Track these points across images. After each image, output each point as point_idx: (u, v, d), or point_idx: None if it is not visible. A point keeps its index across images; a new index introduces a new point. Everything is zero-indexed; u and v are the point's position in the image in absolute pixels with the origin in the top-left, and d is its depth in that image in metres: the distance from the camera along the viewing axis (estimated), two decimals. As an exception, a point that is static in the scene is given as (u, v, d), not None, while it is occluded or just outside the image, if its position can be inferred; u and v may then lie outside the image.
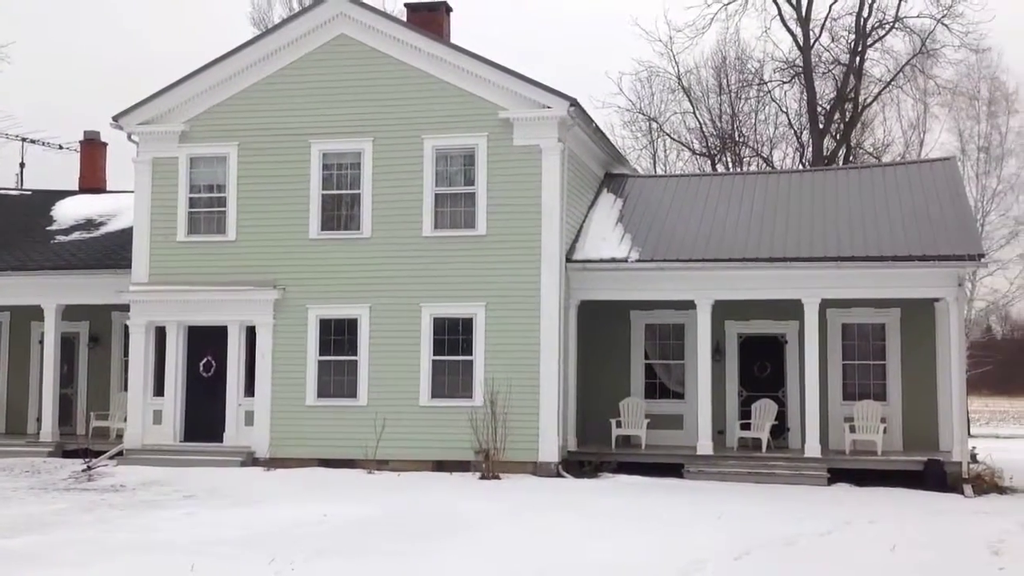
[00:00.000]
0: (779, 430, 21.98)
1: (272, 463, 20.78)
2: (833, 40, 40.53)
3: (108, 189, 29.16)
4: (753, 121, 43.27)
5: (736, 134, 43.06)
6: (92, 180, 29.06)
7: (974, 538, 13.38)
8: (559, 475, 19.94)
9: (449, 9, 23.95)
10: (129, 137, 22.71)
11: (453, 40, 23.21)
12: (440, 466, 20.34)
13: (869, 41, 39.81)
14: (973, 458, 21.58)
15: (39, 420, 23.83)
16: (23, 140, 39.40)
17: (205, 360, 21.99)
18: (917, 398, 21.66)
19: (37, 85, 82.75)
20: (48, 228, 26.18)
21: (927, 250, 20.07)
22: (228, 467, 20.49)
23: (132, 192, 23.14)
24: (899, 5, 39.33)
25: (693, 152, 43.63)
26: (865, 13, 39.39)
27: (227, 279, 21.70)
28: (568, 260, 21.15)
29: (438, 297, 20.94)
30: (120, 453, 21.64)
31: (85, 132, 29.79)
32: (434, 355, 20.92)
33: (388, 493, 17.17)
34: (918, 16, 39.57)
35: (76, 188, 29.02)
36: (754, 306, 21.93)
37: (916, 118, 44.32)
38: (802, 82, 40.04)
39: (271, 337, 21.48)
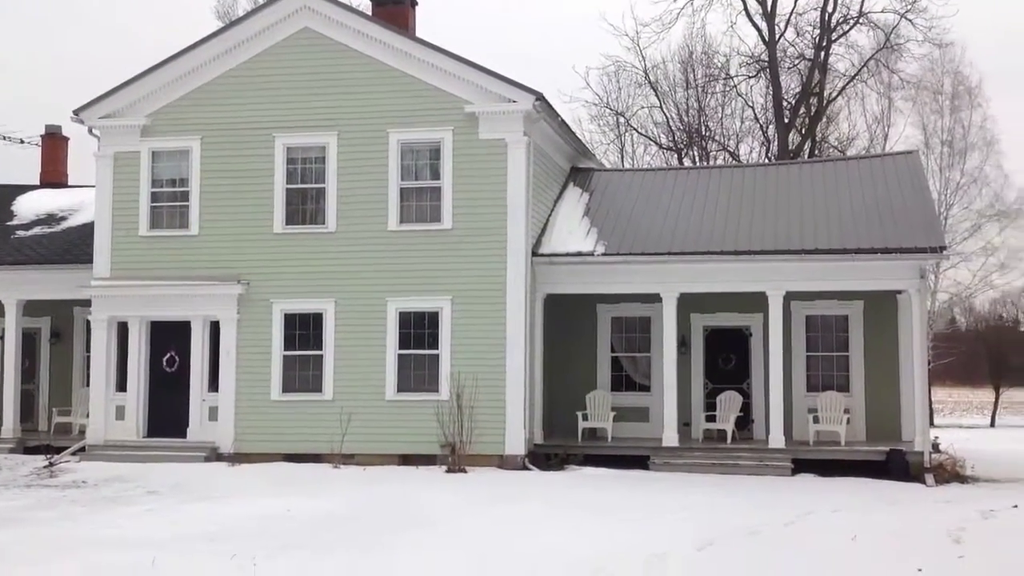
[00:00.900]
0: (744, 421, 22.12)
1: (236, 458, 20.67)
2: (798, 35, 40.87)
3: (70, 183, 28.85)
4: (720, 115, 43.52)
5: (703, 128, 43.25)
6: (53, 174, 28.75)
7: (935, 526, 13.50)
8: (525, 468, 19.96)
9: (415, 3, 23.88)
10: (90, 131, 22.48)
11: (419, 34, 23.14)
12: (406, 460, 20.30)
13: (834, 36, 40.11)
14: (935, 448, 21.79)
15: (0, 416, 23.56)
16: (-18, 134, 38.86)
17: (168, 355, 21.84)
18: (880, 389, 21.86)
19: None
20: (8, 223, 25.87)
21: (889, 243, 20.23)
22: (192, 463, 20.35)
23: (94, 187, 22.89)
24: (863, 0, 39.68)
25: (660, 146, 43.79)
26: (829, 8, 39.72)
27: (190, 274, 21.54)
28: (534, 254, 21.16)
29: (404, 291, 20.89)
30: (83, 449, 21.45)
31: (46, 126, 29.44)
32: (400, 349, 20.87)
33: (353, 487, 17.12)
34: (882, 11, 39.93)
35: (37, 183, 28.68)
36: (719, 299, 22.04)
37: (880, 112, 44.77)
38: (768, 77, 40.30)
39: (235, 332, 21.35)
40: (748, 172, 24.98)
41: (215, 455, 20.90)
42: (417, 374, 20.82)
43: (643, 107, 43.68)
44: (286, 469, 19.60)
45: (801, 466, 19.69)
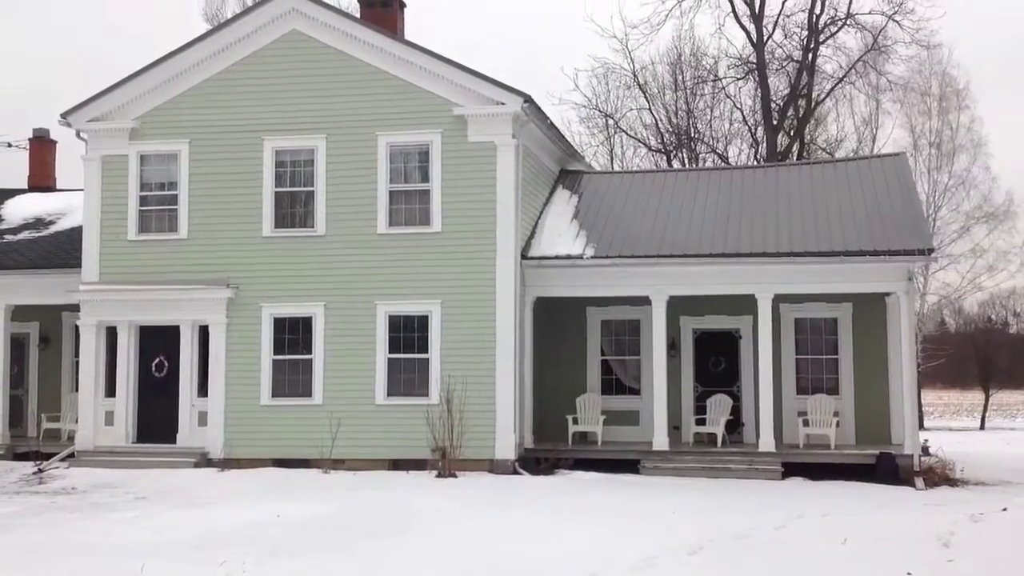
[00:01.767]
0: (734, 425, 22.13)
1: (226, 464, 20.61)
2: (786, 37, 40.97)
3: (58, 187, 28.78)
4: (708, 117, 43.59)
5: (692, 130, 43.31)
6: (42, 178, 28.66)
7: (925, 530, 13.54)
8: (516, 472, 19.93)
9: (403, 5, 23.85)
10: (78, 134, 22.39)
11: (407, 36, 23.12)
12: (396, 465, 20.26)
13: (821, 38, 40.22)
14: (925, 451, 21.82)
15: (-11, 423, 23.45)
16: (-30, 138, 38.69)
17: (157, 360, 21.76)
18: (869, 392, 21.90)
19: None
20: (-4, 227, 25.75)
21: (878, 245, 20.28)
22: (181, 468, 20.28)
23: (82, 190, 22.80)
24: (851, 2, 39.83)
25: (649, 148, 43.84)
26: (817, 10, 39.83)
27: (179, 278, 21.47)
28: (523, 257, 21.14)
29: (393, 295, 20.85)
30: (72, 455, 21.35)
31: (34, 130, 29.36)
32: (390, 353, 20.83)
33: (343, 492, 17.08)
34: (869, 13, 40.06)
35: (25, 186, 28.58)
36: (709, 301, 22.05)
37: (868, 114, 44.88)
38: (756, 79, 40.38)
39: (224, 336, 21.28)
40: (737, 174, 25.01)
41: (205, 461, 20.81)
42: (407, 378, 20.78)
43: (632, 109, 43.76)
44: (276, 474, 19.54)
45: (791, 470, 19.71)
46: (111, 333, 21.89)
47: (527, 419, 21.00)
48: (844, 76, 41.36)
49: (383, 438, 20.50)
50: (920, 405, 42.16)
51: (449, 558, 11.69)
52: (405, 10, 23.96)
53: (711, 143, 43.44)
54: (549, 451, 20.58)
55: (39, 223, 25.79)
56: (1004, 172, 70.63)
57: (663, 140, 43.26)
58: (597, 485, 18.27)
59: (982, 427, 47.60)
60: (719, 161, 42.12)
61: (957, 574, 11.03)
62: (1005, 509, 15.56)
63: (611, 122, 43.99)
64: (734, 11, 40.00)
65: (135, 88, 21.99)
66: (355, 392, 20.75)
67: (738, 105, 42.53)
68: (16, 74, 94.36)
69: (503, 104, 20.66)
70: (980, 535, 13.44)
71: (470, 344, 20.46)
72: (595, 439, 21.62)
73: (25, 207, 26.63)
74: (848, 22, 40.02)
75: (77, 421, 22.02)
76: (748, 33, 40.02)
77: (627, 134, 44.05)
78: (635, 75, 42.74)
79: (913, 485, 18.96)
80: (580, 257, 21.17)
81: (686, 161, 42.58)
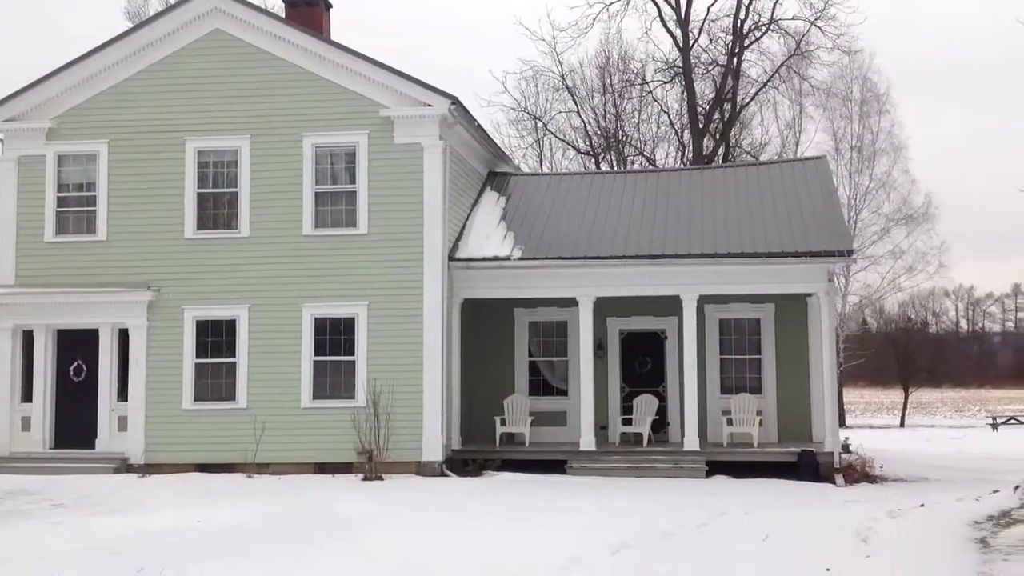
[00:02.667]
0: (660, 424, 22.33)
1: (147, 469, 20.23)
2: (711, 41, 41.52)
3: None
4: (636, 120, 43.98)
5: (619, 133, 43.65)
6: (-45, 178, 27.79)
7: (844, 526, 13.75)
8: (443, 474, 19.87)
9: (329, 5, 23.63)
10: (-7, 134, 21.84)
11: (334, 37, 22.91)
12: (322, 468, 20.08)
13: (746, 43, 40.84)
14: (846, 448, 22.25)
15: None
16: None
17: (76, 364, 21.29)
18: (791, 391, 22.25)
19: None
20: (-93, 229, 24.93)
21: (799, 247, 20.61)
22: (101, 474, 19.85)
23: (-3, 191, 22.21)
24: (774, 7, 40.50)
25: (578, 151, 44.09)
26: (742, 15, 40.43)
27: (98, 280, 21.03)
28: (451, 258, 21.10)
29: (319, 297, 20.66)
30: (-14, 462, 20.78)
31: (-53, 128, 28.49)
32: (315, 356, 20.64)
33: (267, 497, 16.86)
34: (792, 19, 40.81)
35: (-62, 187, 27.72)
36: (635, 303, 22.21)
37: (792, 118, 45.72)
38: (682, 83, 40.83)
39: (145, 339, 20.90)
40: (663, 177, 25.25)
41: (125, 466, 20.42)
42: (333, 381, 20.61)
43: (561, 112, 43.99)
44: (198, 480, 19.23)
45: (715, 468, 19.94)
46: (27, 337, 21.39)
47: (455, 421, 20.95)
48: (768, 81, 42.06)
49: (309, 442, 20.30)
50: (842, 403, 43.05)
51: (373, 562, 11.60)
52: (331, 10, 23.75)
53: (639, 146, 43.86)
54: (477, 453, 20.56)
55: (-48, 224, 25.02)
56: (923, 175, 72.37)
57: (591, 143, 43.54)
58: (524, 486, 18.29)
59: (902, 425, 48.71)
60: (646, 164, 42.51)
61: (875, 569, 11.20)
62: (923, 505, 15.86)
63: (540, 124, 44.20)
64: (660, 16, 40.44)
65: (53, 87, 21.51)
66: (280, 395, 20.52)
67: (665, 108, 43.02)
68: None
69: (430, 106, 20.60)
70: (898, 531, 13.67)
71: (397, 346, 20.35)
72: (523, 440, 21.65)
73: (-62, 208, 25.81)
74: (772, 27, 40.72)
75: (-8, 427, 21.42)
76: (674, 37, 40.49)
77: (556, 136, 44.30)
78: (564, 78, 43.02)
79: (833, 482, 19.30)
80: (507, 258, 21.19)
81: (614, 164, 42.91)
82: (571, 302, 21.47)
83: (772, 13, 40.40)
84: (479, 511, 15.23)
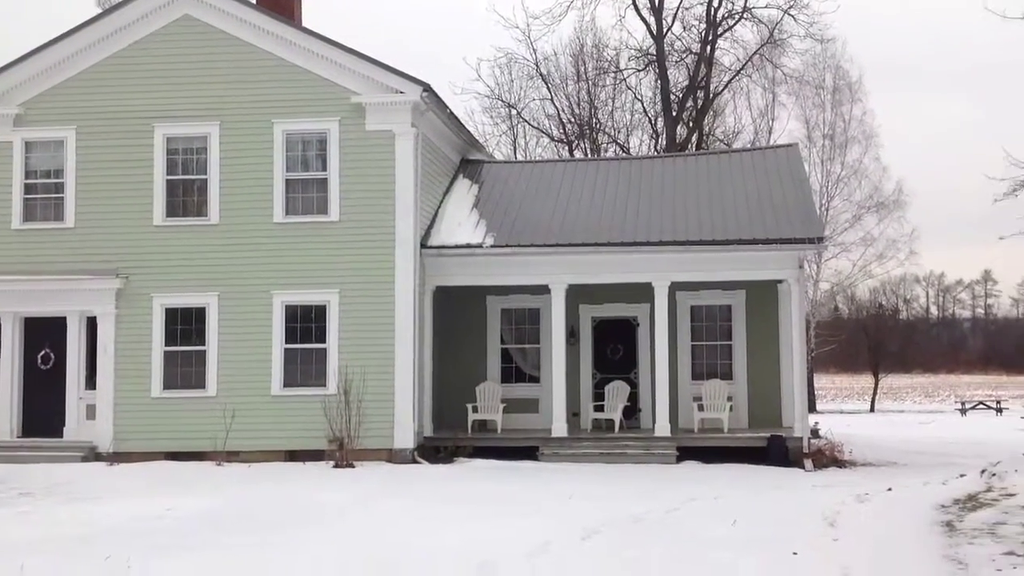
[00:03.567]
0: (631, 411, 22.41)
1: (116, 458, 20.11)
2: (685, 29, 41.55)
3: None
4: (610, 108, 43.97)
5: (593, 121, 43.63)
6: (-79, 165, 27.46)
7: (812, 511, 13.87)
8: (415, 461, 19.87)
9: (300, -9, 23.47)
10: (-42, 120, 21.56)
11: (306, 23, 22.78)
12: (293, 456, 20.02)
13: (719, 31, 40.91)
14: (815, 434, 22.42)
15: None
16: None
17: (43, 352, 21.12)
18: (762, 376, 22.37)
19: None
20: None
21: (770, 234, 20.70)
22: (69, 463, 19.70)
23: (-37, 177, 21.96)
24: (748, -5, 40.48)
25: (552, 138, 44.04)
26: (715, 3, 40.49)
27: (66, 268, 20.85)
28: (423, 246, 21.05)
29: (290, 284, 20.57)
30: (-47, 451, 20.59)
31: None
32: (286, 343, 20.57)
33: (237, 485, 16.79)
34: (766, 7, 40.86)
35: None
36: (607, 290, 22.26)
37: (765, 106, 45.86)
38: (656, 71, 40.85)
39: (113, 327, 20.75)
40: (636, 164, 25.26)
41: (93, 455, 20.29)
42: (304, 368, 20.55)
43: (535, 99, 43.91)
44: (168, 468, 19.12)
45: (686, 453, 20.03)
46: (-5, 325, 21.19)
47: (426, 408, 20.94)
48: (741, 69, 42.17)
49: (279, 429, 20.24)
50: (812, 389, 43.39)
51: (343, 549, 11.57)
52: (302, -4, 23.59)
53: (612, 134, 43.86)
54: (448, 440, 20.56)
55: (-82, 211, 24.74)
56: (894, 163, 72.84)
57: (565, 130, 43.51)
58: (496, 473, 18.32)
59: (872, 410, 49.12)
60: (620, 151, 42.54)
61: (842, 552, 11.29)
62: (890, 489, 16.03)
63: (514, 112, 44.10)
64: (634, 3, 40.42)
65: (20, 73, 21.28)
66: (250, 383, 20.43)
67: (639, 96, 43.04)
68: None
69: (402, 93, 20.52)
70: (865, 514, 13.81)
71: (369, 334, 20.30)
72: (495, 427, 21.67)
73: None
74: (745, 15, 40.80)
75: (-41, 416, 21.23)
76: (648, 25, 40.49)
77: (530, 124, 44.23)
78: (538, 66, 42.94)
79: (803, 467, 19.45)
80: (480, 246, 21.17)
81: (588, 151, 42.91)
82: (544, 289, 21.48)
83: (745, 1, 40.51)
84: (450, 498, 15.24)
